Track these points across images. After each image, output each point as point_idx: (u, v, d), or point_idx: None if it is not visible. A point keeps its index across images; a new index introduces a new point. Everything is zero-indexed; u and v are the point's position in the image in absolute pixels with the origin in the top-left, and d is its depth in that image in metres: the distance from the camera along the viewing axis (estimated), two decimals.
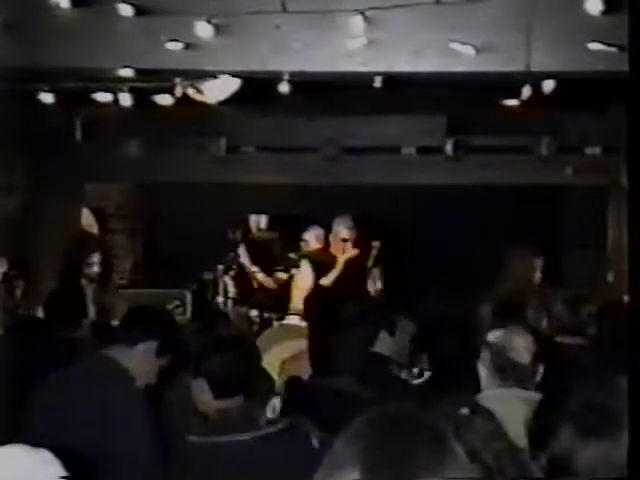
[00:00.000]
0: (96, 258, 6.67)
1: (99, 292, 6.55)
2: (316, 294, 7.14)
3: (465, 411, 1.58)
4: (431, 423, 1.42)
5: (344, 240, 7.61)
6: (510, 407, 3.00)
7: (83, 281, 6.48)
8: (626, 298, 6.54)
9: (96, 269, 6.64)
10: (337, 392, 3.69)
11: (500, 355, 3.35)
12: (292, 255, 7.89)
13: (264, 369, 4.08)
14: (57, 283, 6.51)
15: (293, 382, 3.93)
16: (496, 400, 3.07)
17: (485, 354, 3.41)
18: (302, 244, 7.87)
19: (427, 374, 4.23)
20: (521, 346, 3.37)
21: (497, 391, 3.25)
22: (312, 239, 7.82)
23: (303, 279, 7.25)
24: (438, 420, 1.42)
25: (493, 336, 3.44)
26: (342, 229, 7.65)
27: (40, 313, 5.13)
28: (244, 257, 7.92)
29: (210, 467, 2.97)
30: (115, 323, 6.23)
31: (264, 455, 2.95)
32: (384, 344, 4.17)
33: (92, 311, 6.06)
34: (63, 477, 2.08)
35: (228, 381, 3.18)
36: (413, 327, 4.37)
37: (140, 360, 3.68)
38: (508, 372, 3.31)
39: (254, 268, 7.93)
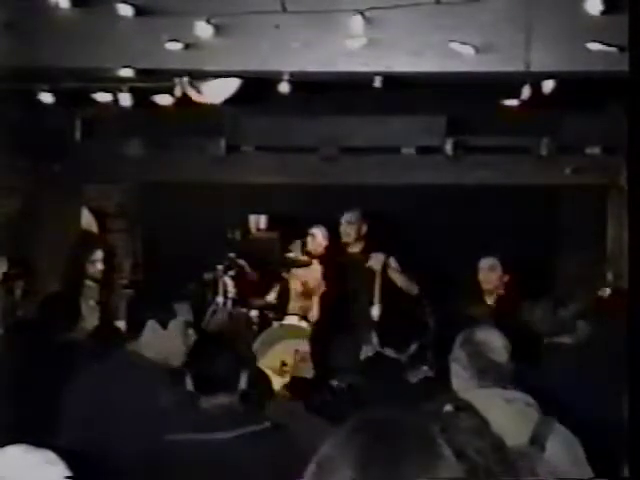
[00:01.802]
0: (99, 255, 6.62)
1: (103, 291, 6.53)
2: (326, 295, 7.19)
3: (449, 408, 1.59)
4: (419, 424, 1.42)
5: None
6: (495, 407, 2.99)
7: (88, 282, 6.45)
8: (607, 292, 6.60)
9: (99, 267, 6.60)
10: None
11: (479, 355, 3.33)
12: (292, 255, 7.90)
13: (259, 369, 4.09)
14: (58, 283, 6.50)
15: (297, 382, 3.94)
16: (480, 401, 3.06)
17: (461, 354, 3.38)
18: (309, 239, 7.85)
19: (426, 372, 4.23)
20: (500, 346, 3.36)
21: (479, 391, 3.23)
22: (319, 235, 7.81)
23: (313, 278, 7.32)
24: (425, 421, 1.43)
25: (468, 336, 3.42)
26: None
27: (37, 314, 5.13)
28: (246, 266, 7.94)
29: (185, 466, 2.98)
30: (119, 323, 6.24)
31: (243, 454, 2.95)
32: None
33: (96, 311, 6.05)
34: (67, 477, 2.08)
35: (210, 379, 3.19)
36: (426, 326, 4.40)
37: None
38: (488, 372, 3.30)
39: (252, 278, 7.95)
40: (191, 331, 3.82)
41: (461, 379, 3.33)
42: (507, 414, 3.04)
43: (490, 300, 6.99)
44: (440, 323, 5.02)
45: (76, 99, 6.70)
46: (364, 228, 7.54)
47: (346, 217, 7.58)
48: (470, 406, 2.47)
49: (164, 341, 3.75)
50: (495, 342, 3.36)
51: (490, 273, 7.06)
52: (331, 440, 1.41)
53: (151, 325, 3.78)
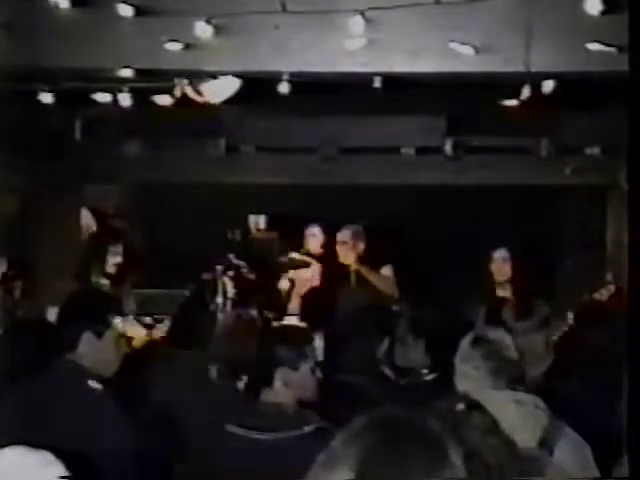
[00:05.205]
0: (120, 249, 6.61)
1: (113, 288, 6.53)
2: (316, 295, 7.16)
3: (461, 407, 1.58)
4: (429, 426, 1.42)
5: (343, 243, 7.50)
6: (505, 409, 2.98)
7: (102, 280, 6.44)
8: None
9: (118, 259, 6.56)
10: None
11: (495, 353, 3.31)
12: (292, 255, 7.89)
13: None
14: (70, 281, 6.48)
15: None
16: (490, 402, 3.05)
17: (473, 354, 3.36)
18: (308, 239, 7.81)
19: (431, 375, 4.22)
20: (512, 344, 3.35)
21: (490, 393, 3.21)
22: (316, 235, 7.77)
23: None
24: (434, 422, 1.43)
25: (480, 335, 3.41)
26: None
27: (49, 315, 5.09)
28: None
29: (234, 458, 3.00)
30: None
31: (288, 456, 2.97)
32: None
33: None
34: (64, 477, 2.08)
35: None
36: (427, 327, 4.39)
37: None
38: (502, 371, 3.28)
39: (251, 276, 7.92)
40: (123, 342, 3.77)
41: (471, 380, 3.28)
42: (517, 416, 3.02)
43: (503, 293, 6.86)
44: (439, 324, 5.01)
45: (76, 99, 6.70)
46: (360, 246, 7.39)
47: (341, 236, 7.40)
48: (481, 406, 2.46)
49: (99, 352, 3.66)
50: (507, 340, 3.35)
51: (504, 264, 7.00)
52: (338, 437, 1.41)
53: (87, 336, 3.68)
